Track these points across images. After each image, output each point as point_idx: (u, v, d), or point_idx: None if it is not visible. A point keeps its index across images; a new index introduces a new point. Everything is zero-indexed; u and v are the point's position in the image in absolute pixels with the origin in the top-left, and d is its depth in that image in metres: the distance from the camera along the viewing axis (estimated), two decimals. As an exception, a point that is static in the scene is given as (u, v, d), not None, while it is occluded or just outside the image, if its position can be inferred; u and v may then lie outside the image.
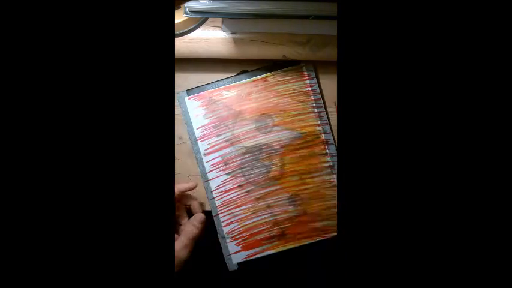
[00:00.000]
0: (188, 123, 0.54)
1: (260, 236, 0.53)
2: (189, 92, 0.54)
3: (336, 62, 0.49)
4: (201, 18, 0.50)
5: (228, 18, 0.48)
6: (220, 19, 0.50)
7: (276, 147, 0.53)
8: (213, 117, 0.53)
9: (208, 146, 0.53)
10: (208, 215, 0.52)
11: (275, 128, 0.54)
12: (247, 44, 0.50)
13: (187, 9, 0.44)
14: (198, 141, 0.53)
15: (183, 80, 0.55)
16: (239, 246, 0.53)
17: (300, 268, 0.56)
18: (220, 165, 0.54)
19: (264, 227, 0.53)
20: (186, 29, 0.50)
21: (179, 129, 0.55)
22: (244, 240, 0.53)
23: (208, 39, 0.50)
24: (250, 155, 0.53)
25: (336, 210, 0.53)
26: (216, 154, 0.53)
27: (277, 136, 0.53)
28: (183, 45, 0.50)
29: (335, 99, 0.54)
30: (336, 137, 0.54)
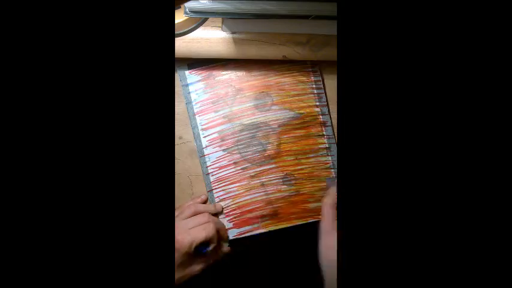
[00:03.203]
0: (187, 97, 0.54)
1: (252, 214, 0.53)
2: (190, 66, 0.54)
3: (336, 62, 0.49)
4: (201, 18, 0.50)
5: (228, 18, 0.48)
6: (220, 19, 0.49)
7: (274, 126, 0.54)
8: (212, 93, 0.54)
9: (206, 121, 0.54)
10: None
11: (273, 107, 0.54)
12: (247, 44, 0.50)
13: (187, 9, 0.44)
14: (196, 116, 0.54)
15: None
16: (231, 223, 0.53)
17: (291, 248, 0.56)
18: (216, 141, 0.54)
19: (257, 205, 0.53)
20: (186, 29, 0.50)
21: (179, 129, 0.55)
22: (236, 217, 0.53)
23: (208, 39, 0.50)
24: (247, 132, 0.54)
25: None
26: (213, 130, 0.54)
27: (275, 115, 0.54)
28: (183, 45, 0.50)
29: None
30: (333, 118, 0.54)
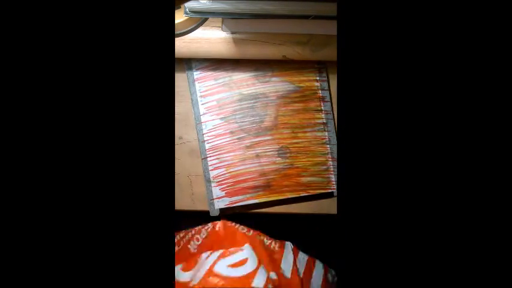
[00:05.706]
0: (188, 64, 0.53)
1: (245, 185, 0.53)
2: (193, 32, 0.54)
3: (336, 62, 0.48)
4: (201, 18, 0.50)
5: (228, 18, 0.48)
6: (220, 19, 0.49)
7: (272, 98, 0.53)
8: (212, 60, 0.53)
9: (205, 88, 0.53)
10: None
11: (274, 79, 0.53)
12: (247, 44, 0.50)
13: (187, 9, 0.44)
14: (196, 82, 0.53)
15: (183, 80, 0.55)
16: (223, 192, 0.53)
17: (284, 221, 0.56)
18: (214, 109, 0.54)
19: (250, 176, 0.53)
20: (186, 29, 0.50)
21: (179, 129, 0.55)
22: (229, 186, 0.53)
23: (208, 39, 0.50)
24: (245, 102, 0.53)
25: (323, 167, 0.53)
26: (212, 97, 0.54)
27: (274, 87, 0.53)
28: (183, 45, 0.50)
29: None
30: (333, 94, 0.54)
